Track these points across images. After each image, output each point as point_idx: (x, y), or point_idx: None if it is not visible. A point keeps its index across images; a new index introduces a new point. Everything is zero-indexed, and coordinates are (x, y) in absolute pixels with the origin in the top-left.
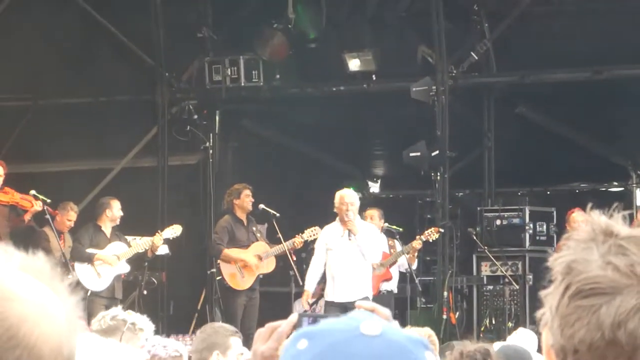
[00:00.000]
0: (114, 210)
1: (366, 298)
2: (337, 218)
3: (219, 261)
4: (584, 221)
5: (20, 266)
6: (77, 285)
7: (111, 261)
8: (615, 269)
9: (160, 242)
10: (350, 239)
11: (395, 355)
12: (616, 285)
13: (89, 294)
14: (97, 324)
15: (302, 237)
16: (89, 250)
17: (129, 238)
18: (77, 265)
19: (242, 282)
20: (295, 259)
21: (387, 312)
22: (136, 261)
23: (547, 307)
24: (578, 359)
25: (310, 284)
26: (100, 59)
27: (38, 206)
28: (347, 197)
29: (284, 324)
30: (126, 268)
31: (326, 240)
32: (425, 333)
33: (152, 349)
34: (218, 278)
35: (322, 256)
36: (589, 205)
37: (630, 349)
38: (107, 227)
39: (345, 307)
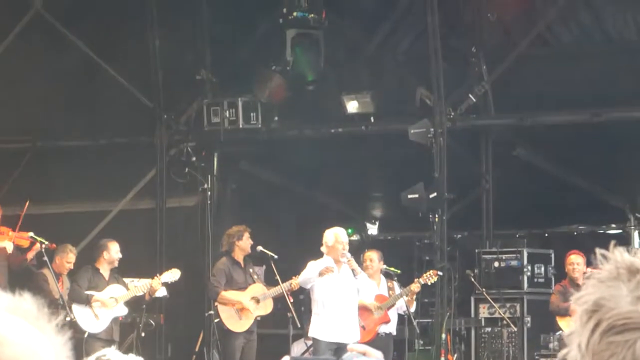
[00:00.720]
0: (112, 252)
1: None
2: (326, 257)
3: (216, 303)
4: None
5: (7, 307)
6: (74, 326)
7: (108, 303)
8: None
9: (158, 285)
10: (355, 276)
11: None
12: None
13: (86, 335)
14: None
15: (292, 283)
16: (87, 292)
17: (127, 280)
18: (75, 306)
19: (239, 324)
20: (292, 300)
21: (379, 355)
22: (134, 303)
23: (575, 345)
24: None
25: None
26: (99, 101)
27: (37, 247)
28: (343, 236)
29: None
30: (124, 311)
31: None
32: None
33: None
34: (216, 320)
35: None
36: (612, 247)
37: None
38: (105, 270)
39: (337, 348)
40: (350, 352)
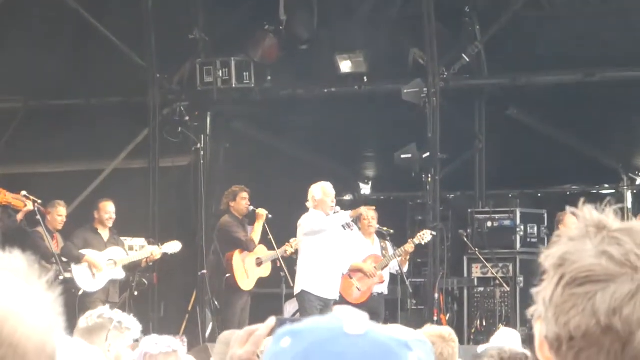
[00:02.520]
0: (101, 212)
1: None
2: (313, 211)
3: (232, 260)
4: (577, 218)
5: None
6: (71, 283)
7: (99, 266)
8: (610, 258)
9: (158, 255)
10: (351, 229)
11: (378, 355)
12: (611, 273)
13: (80, 292)
14: (84, 322)
15: (292, 245)
16: (81, 252)
17: (122, 239)
18: (73, 266)
19: (247, 282)
20: (286, 253)
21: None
22: (128, 264)
23: (540, 300)
24: (573, 346)
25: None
26: (92, 60)
27: (30, 206)
28: (330, 189)
29: (261, 328)
30: (121, 274)
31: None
32: (446, 332)
33: (145, 347)
34: (227, 275)
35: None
36: (581, 205)
37: (626, 334)
38: (103, 230)
39: (324, 305)
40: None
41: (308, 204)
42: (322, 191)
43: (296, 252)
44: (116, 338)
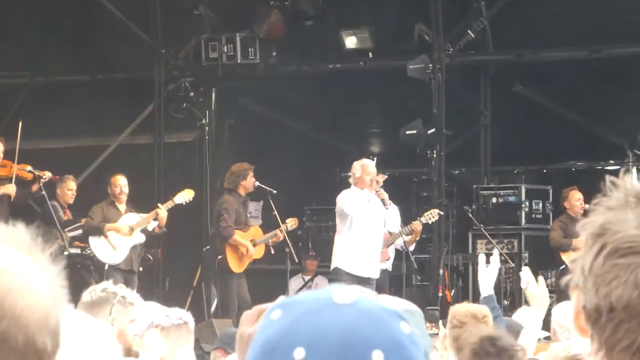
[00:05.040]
0: (112, 186)
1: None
2: (354, 187)
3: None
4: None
5: (1, 238)
6: (93, 259)
7: (123, 230)
8: None
9: (164, 212)
10: (387, 207)
11: (366, 324)
12: None
13: (106, 267)
14: (87, 296)
15: (287, 226)
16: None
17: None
18: (91, 239)
19: (239, 265)
20: (282, 235)
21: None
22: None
23: (578, 269)
24: (613, 318)
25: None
26: (98, 36)
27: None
28: (371, 167)
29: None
30: (141, 238)
31: (356, 196)
32: (480, 312)
33: (153, 319)
34: (219, 257)
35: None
36: (621, 174)
37: None
38: (120, 204)
39: (362, 281)
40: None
41: (350, 181)
42: (361, 169)
43: (300, 222)
44: (120, 312)
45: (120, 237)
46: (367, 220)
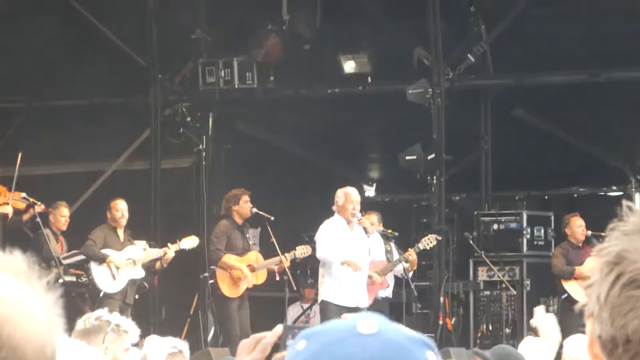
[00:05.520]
0: (113, 211)
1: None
2: (337, 216)
3: (215, 267)
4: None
5: None
6: (91, 285)
7: (122, 265)
8: None
9: (172, 253)
10: (368, 236)
11: (391, 354)
12: None
13: (102, 295)
14: (81, 324)
15: (295, 254)
16: (104, 251)
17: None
18: (93, 264)
19: (234, 290)
20: (289, 263)
21: None
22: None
23: (593, 297)
24: (629, 349)
25: (340, 257)
26: (94, 60)
27: (37, 209)
28: (354, 195)
29: (268, 335)
30: (141, 273)
31: (334, 233)
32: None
33: (149, 348)
34: (211, 282)
35: (330, 241)
36: (593, 211)
37: None
38: (119, 229)
39: (350, 312)
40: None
41: (333, 208)
42: (344, 197)
43: (293, 260)
44: (113, 341)
45: (121, 269)
46: (351, 250)
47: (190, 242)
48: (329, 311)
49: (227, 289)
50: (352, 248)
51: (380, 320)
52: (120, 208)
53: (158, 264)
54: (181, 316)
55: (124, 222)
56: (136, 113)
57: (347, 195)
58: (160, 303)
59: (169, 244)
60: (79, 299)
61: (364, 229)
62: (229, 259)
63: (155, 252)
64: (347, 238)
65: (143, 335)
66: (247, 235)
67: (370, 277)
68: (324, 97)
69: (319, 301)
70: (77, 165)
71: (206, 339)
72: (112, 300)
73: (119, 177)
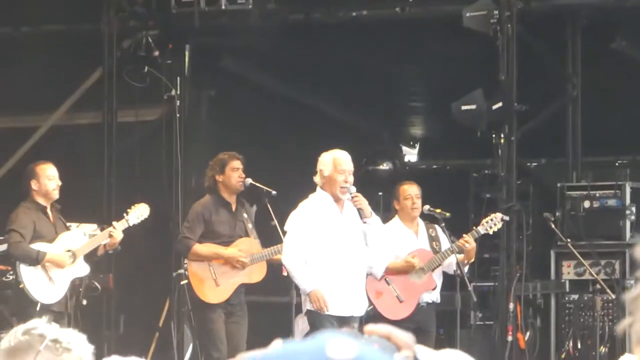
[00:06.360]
0: (42, 179)
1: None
2: (320, 191)
3: (187, 261)
4: None
5: None
6: (23, 296)
7: (64, 262)
8: None
9: (120, 233)
10: (364, 221)
11: None
12: None
13: (38, 308)
14: (6, 341)
15: None
16: (37, 246)
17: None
18: (23, 268)
19: (215, 292)
20: None
21: (408, 340)
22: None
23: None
24: None
25: (312, 281)
26: None
27: None
28: (345, 162)
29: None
30: (85, 269)
31: (314, 221)
32: None
33: None
34: (183, 282)
35: (304, 240)
36: None
37: None
38: (48, 207)
39: (343, 322)
40: (368, 336)
41: (316, 179)
42: (332, 163)
43: None
44: None
45: (59, 268)
46: (340, 241)
47: (140, 212)
48: (319, 324)
49: (205, 293)
50: (341, 237)
51: (360, 342)
52: (52, 175)
53: (101, 249)
54: (147, 328)
55: (56, 195)
56: (82, 46)
57: (336, 162)
58: (117, 311)
59: (113, 223)
60: (2, 306)
61: (359, 211)
62: (205, 248)
63: (100, 237)
64: (334, 223)
65: (96, 355)
66: (244, 216)
67: (405, 271)
68: (346, 23)
69: (303, 311)
70: (0, 119)
71: None
72: (50, 314)
73: (59, 136)
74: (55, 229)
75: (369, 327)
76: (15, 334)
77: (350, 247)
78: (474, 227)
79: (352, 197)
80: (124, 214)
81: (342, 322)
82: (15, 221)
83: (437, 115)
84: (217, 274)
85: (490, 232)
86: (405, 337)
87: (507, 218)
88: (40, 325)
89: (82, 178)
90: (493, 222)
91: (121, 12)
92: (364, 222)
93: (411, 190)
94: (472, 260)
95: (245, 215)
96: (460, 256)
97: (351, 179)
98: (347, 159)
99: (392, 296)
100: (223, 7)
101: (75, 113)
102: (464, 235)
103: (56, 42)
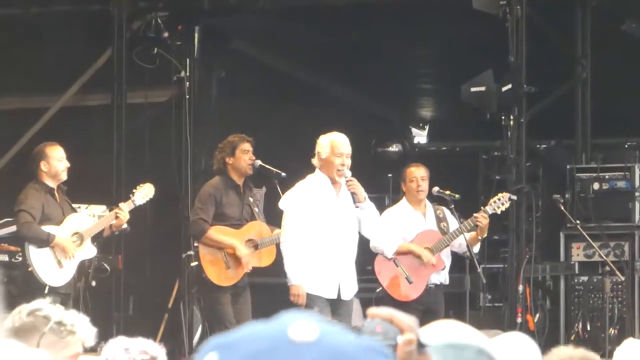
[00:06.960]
0: (52, 160)
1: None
2: (319, 173)
3: (196, 243)
4: None
5: None
6: (32, 279)
7: (70, 250)
8: None
9: (126, 214)
10: (357, 206)
11: None
12: None
13: (46, 290)
14: (10, 321)
15: None
16: (46, 229)
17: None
18: (32, 250)
19: (225, 275)
20: None
21: (411, 322)
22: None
23: None
24: None
25: (301, 275)
26: None
27: None
28: (343, 145)
29: None
30: (92, 251)
31: (309, 201)
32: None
33: (110, 354)
34: (193, 264)
35: (300, 227)
36: None
37: None
38: (55, 189)
39: (332, 306)
40: (371, 320)
41: (314, 161)
42: (330, 146)
43: None
44: (53, 345)
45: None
46: (334, 223)
47: (145, 192)
48: (309, 306)
49: (215, 275)
50: (335, 220)
51: (321, 323)
52: (60, 157)
53: (107, 230)
54: (156, 309)
55: (65, 176)
56: (91, 27)
57: (334, 145)
58: (127, 292)
59: (120, 204)
60: (11, 286)
61: (353, 195)
62: (217, 232)
63: (107, 218)
64: (331, 205)
65: (103, 337)
66: (250, 200)
67: (416, 256)
68: (355, 3)
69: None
70: (10, 100)
71: (191, 342)
72: (57, 297)
73: (68, 117)
74: (63, 211)
75: (372, 310)
76: (20, 315)
77: (343, 231)
78: (482, 207)
79: (347, 182)
80: (130, 195)
81: (332, 304)
82: (24, 202)
83: (447, 97)
84: (227, 257)
85: (498, 212)
86: (408, 320)
87: (514, 197)
88: (45, 306)
89: (92, 159)
90: (501, 202)
91: None
92: (357, 207)
93: (417, 173)
94: (485, 235)
95: (250, 199)
96: (473, 234)
97: (348, 162)
98: (344, 142)
99: (402, 278)
100: None
101: (85, 94)
102: (474, 215)
103: (65, 23)
